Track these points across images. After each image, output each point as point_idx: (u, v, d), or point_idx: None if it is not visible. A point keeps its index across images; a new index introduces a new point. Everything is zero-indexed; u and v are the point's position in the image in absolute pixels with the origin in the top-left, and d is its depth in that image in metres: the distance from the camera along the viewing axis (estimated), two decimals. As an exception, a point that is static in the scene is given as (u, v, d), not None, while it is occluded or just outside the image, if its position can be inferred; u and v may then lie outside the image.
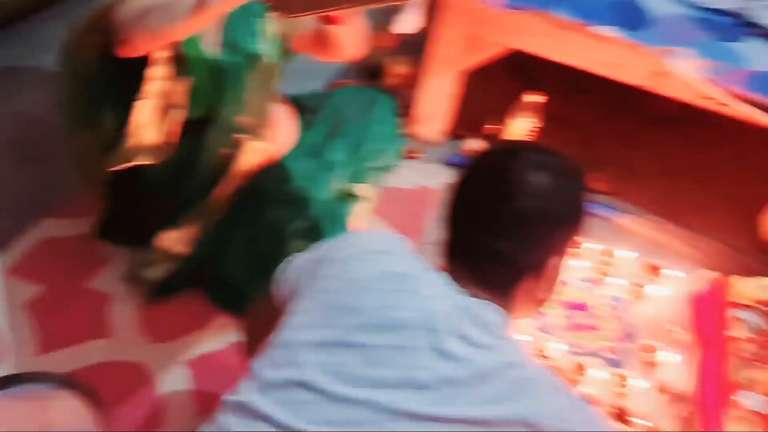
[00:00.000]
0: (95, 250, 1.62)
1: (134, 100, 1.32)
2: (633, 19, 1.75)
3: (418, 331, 0.84)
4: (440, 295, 0.89)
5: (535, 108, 2.06)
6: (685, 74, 1.72)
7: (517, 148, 1.00)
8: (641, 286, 1.83)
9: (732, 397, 1.48)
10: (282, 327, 0.90)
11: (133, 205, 1.54)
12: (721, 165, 2.37)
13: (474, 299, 0.89)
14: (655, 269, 1.89)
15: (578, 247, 1.05)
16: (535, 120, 2.07)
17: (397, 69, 2.36)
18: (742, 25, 1.80)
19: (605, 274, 1.85)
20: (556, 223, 0.92)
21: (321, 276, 0.93)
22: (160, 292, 1.54)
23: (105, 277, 1.58)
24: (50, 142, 1.79)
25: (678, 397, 1.40)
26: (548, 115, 2.35)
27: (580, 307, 1.77)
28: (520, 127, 2.08)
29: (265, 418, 0.81)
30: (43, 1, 2.32)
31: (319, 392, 0.81)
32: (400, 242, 0.99)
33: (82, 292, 1.54)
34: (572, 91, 2.55)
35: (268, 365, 0.87)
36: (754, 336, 1.64)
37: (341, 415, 0.80)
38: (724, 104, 1.77)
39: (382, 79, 2.39)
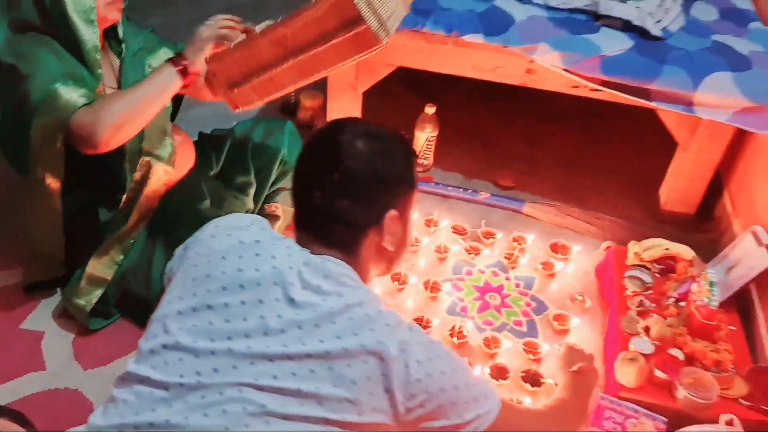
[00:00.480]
0: (24, 297, 1.73)
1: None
2: (496, 26, 1.95)
3: (270, 286, 0.96)
4: (290, 255, 1.01)
5: (433, 119, 2.24)
6: (549, 67, 1.93)
7: (344, 122, 1.11)
8: (551, 265, 1.98)
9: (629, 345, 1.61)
10: (158, 305, 1.03)
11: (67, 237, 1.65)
12: (614, 149, 2.59)
13: (319, 256, 1.01)
14: (562, 248, 2.04)
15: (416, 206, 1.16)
16: (434, 129, 2.25)
17: (310, 102, 2.54)
18: (596, 19, 2.02)
19: (516, 259, 2.00)
20: (383, 182, 1.04)
21: (188, 256, 1.05)
22: (93, 318, 1.64)
23: (36, 318, 1.69)
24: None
25: (580, 354, 1.52)
26: (455, 123, 2.55)
27: (494, 290, 1.90)
28: (422, 137, 2.25)
29: (143, 380, 0.93)
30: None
31: (186, 350, 0.93)
32: (258, 220, 1.11)
33: (16, 333, 1.64)
34: (477, 100, 2.76)
35: (146, 338, 0.99)
36: (645, 290, 1.79)
37: (207, 366, 0.92)
38: (595, 89, 1.97)
39: (298, 114, 2.57)
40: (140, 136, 1.56)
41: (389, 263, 1.14)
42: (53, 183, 1.52)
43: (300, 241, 1.06)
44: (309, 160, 1.08)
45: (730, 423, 1.30)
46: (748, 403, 1.49)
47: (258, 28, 1.51)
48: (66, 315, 1.69)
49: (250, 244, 1.02)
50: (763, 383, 1.51)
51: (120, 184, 1.59)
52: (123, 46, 1.66)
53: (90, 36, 1.50)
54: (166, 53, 1.71)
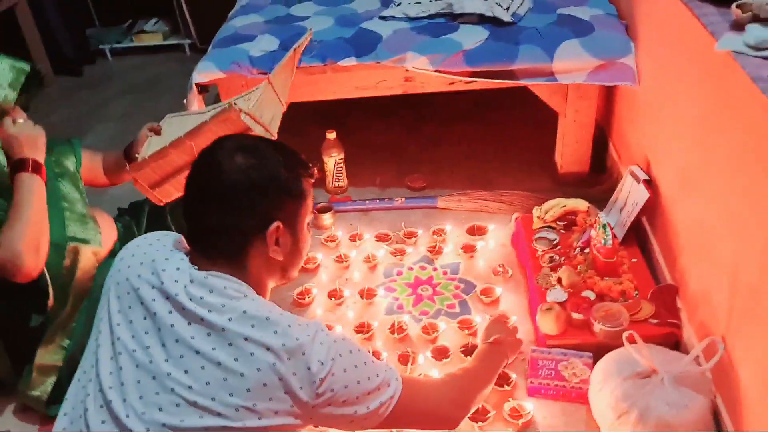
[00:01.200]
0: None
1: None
2: (365, 46, 2.12)
3: (162, 303, 1.05)
4: (179, 269, 1.08)
5: (336, 143, 2.38)
6: (420, 72, 2.10)
7: (222, 139, 1.14)
8: (472, 247, 2.13)
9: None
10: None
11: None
12: (509, 133, 2.79)
13: (204, 272, 1.06)
14: (479, 230, 2.20)
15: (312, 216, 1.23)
16: (340, 152, 2.39)
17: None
18: (453, 19, 2.22)
19: (440, 250, 2.14)
20: (260, 192, 1.07)
21: (109, 288, 1.14)
22: (51, 405, 1.70)
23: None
24: None
25: (500, 327, 1.67)
26: (362, 142, 2.71)
27: (424, 282, 2.04)
28: (331, 161, 2.39)
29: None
30: None
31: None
32: (161, 236, 1.18)
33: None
34: (377, 117, 2.94)
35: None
36: (553, 248, 1.95)
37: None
38: (469, 82, 2.15)
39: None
40: (62, 227, 1.66)
41: (283, 272, 1.19)
42: None
43: (192, 259, 1.10)
44: (192, 178, 1.11)
45: (630, 338, 1.45)
46: (656, 321, 1.65)
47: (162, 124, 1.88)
48: (24, 409, 1.75)
49: (148, 264, 1.10)
50: (664, 300, 1.68)
51: (43, 289, 1.64)
52: None
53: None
54: (64, 149, 1.82)
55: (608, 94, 2.39)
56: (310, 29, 2.15)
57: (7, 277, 1.52)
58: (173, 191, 1.77)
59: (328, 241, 2.21)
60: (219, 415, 0.98)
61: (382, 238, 2.22)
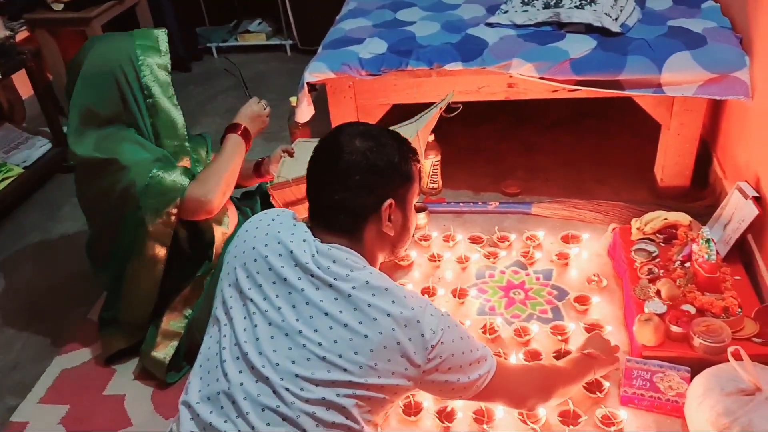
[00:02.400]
0: (102, 368, 1.95)
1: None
2: (471, 51, 2.18)
3: (292, 271, 1.16)
4: (305, 240, 1.19)
5: (434, 146, 2.44)
6: (526, 78, 2.13)
7: (343, 125, 1.26)
8: (565, 255, 2.15)
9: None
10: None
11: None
12: (607, 142, 2.77)
13: (327, 244, 1.18)
14: (574, 238, 2.21)
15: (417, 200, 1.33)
16: (437, 155, 2.45)
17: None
18: (560, 28, 2.24)
19: (532, 256, 2.16)
20: (378, 173, 1.19)
21: (230, 259, 1.26)
22: (169, 372, 1.84)
23: (115, 384, 1.89)
24: (45, 304, 2.25)
25: (601, 343, 1.68)
26: (458, 146, 2.76)
27: (517, 287, 2.06)
28: (428, 163, 2.46)
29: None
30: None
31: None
32: (281, 213, 1.28)
33: (100, 399, 1.85)
34: (478, 122, 2.98)
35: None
36: (652, 260, 1.94)
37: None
38: (573, 90, 2.17)
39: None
40: None
41: (393, 247, 1.30)
42: (161, 252, 1.77)
43: (314, 232, 1.22)
44: (315, 159, 1.24)
45: (735, 353, 1.43)
46: (760, 340, 1.62)
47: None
48: (141, 377, 1.90)
49: (273, 235, 1.21)
50: (770, 319, 1.65)
51: (210, 239, 1.85)
52: None
53: (179, 116, 1.81)
54: (198, 141, 2.03)
55: (714, 108, 2.34)
56: (453, 91, 2.15)
57: (194, 210, 1.74)
58: (303, 211, 1.90)
59: (421, 240, 2.27)
60: (345, 370, 1.09)
61: (475, 241, 2.26)
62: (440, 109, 2.08)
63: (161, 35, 1.81)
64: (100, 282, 2.01)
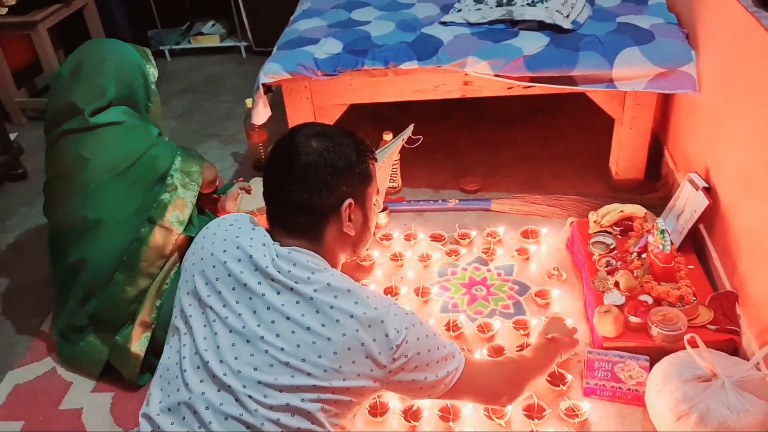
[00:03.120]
0: (57, 382, 1.89)
1: None
2: (426, 50, 2.18)
3: (252, 276, 1.14)
4: (264, 244, 1.17)
5: (411, 145, 2.43)
6: (481, 76, 2.15)
7: (298, 127, 1.25)
8: (525, 250, 2.17)
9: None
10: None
11: None
12: (563, 138, 2.81)
13: (287, 248, 1.17)
14: (532, 233, 2.23)
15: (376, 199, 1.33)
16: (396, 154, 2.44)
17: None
18: (513, 25, 2.26)
19: (493, 252, 2.18)
20: (336, 173, 1.18)
21: (189, 263, 1.25)
22: (142, 375, 1.81)
23: (71, 398, 1.84)
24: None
25: (559, 325, 1.71)
26: (417, 145, 2.75)
27: (479, 283, 2.08)
28: (386, 162, 2.45)
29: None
30: None
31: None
32: (240, 217, 1.27)
33: (56, 414, 1.79)
34: (435, 121, 2.99)
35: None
36: (609, 252, 1.97)
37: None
38: (528, 87, 2.19)
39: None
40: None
41: (355, 247, 1.30)
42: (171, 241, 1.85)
43: (273, 235, 1.21)
44: (272, 161, 1.22)
45: (691, 341, 1.47)
46: (714, 327, 1.66)
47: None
48: (99, 389, 1.85)
49: (231, 240, 1.19)
50: (723, 307, 1.69)
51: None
52: None
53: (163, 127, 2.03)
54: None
55: (665, 102, 2.39)
56: (413, 124, 2.18)
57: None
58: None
59: (383, 240, 2.27)
60: (309, 375, 1.08)
61: (436, 238, 2.27)
62: (402, 140, 2.11)
63: (149, 51, 2.03)
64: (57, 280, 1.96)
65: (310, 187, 1.18)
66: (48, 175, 1.94)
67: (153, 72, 2.01)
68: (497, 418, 1.58)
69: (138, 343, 1.80)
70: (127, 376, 1.82)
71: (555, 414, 1.60)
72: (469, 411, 1.62)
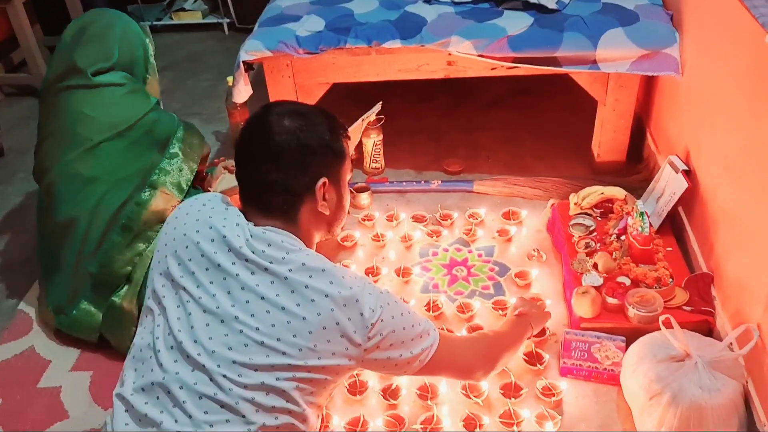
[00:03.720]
0: (36, 360, 1.88)
1: None
2: (410, 29, 2.15)
3: (226, 257, 1.13)
4: (238, 225, 1.16)
5: (375, 125, 2.42)
6: (464, 56, 2.13)
7: (271, 104, 1.23)
8: (506, 231, 2.17)
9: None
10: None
11: None
12: (546, 119, 2.81)
13: (261, 228, 1.16)
14: (513, 214, 2.23)
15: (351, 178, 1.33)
16: (379, 134, 2.44)
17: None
18: (498, 5, 2.24)
19: (475, 233, 2.18)
20: (310, 152, 1.17)
21: (162, 243, 1.24)
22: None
23: (50, 376, 1.83)
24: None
25: (527, 302, 1.72)
26: (399, 125, 2.75)
27: (460, 264, 2.08)
28: (369, 143, 2.44)
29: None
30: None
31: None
32: (212, 198, 1.25)
33: (34, 392, 1.78)
34: (418, 101, 2.97)
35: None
36: (589, 234, 1.98)
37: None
38: (512, 67, 2.18)
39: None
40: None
41: (329, 226, 1.30)
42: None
43: (247, 216, 1.19)
44: (244, 140, 1.21)
45: (666, 322, 1.48)
46: (690, 308, 1.68)
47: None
48: (78, 367, 1.84)
49: (204, 221, 1.18)
50: (699, 288, 1.71)
51: None
52: None
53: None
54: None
55: (648, 84, 2.40)
56: (380, 102, 2.19)
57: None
58: None
59: (365, 220, 2.26)
60: (284, 354, 1.08)
61: (418, 219, 2.27)
62: (363, 120, 2.11)
63: (147, 27, 2.08)
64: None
65: (284, 167, 1.17)
66: (42, 134, 1.93)
67: (151, 47, 2.04)
68: (474, 396, 1.59)
69: (135, 301, 1.79)
70: (116, 345, 1.82)
71: (532, 393, 1.61)
72: (446, 389, 1.63)
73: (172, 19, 4.16)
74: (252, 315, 1.09)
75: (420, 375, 1.31)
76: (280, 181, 1.17)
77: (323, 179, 1.21)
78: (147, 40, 2.02)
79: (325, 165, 1.22)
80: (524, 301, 1.72)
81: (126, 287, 1.81)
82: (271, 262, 1.12)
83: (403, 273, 2.02)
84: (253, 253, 1.13)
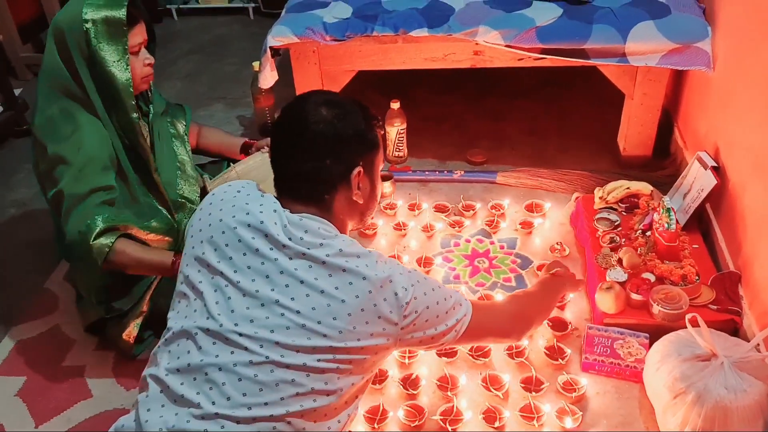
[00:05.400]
0: (61, 338, 1.91)
1: None
2: (437, 18, 2.14)
3: (264, 243, 1.14)
4: (275, 211, 1.17)
5: (399, 113, 2.41)
6: (492, 46, 2.12)
7: (307, 94, 1.25)
8: (529, 224, 2.16)
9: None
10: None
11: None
12: (571, 112, 2.78)
13: (297, 215, 1.17)
14: (536, 207, 2.22)
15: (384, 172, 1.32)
16: (402, 123, 2.42)
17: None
18: (527, -5, 2.22)
19: (497, 224, 2.17)
20: (346, 141, 1.19)
21: (194, 229, 1.24)
22: (137, 346, 1.81)
23: (75, 355, 1.86)
24: None
25: (561, 266, 1.74)
26: (424, 114, 2.74)
27: (481, 255, 2.07)
28: (393, 131, 2.43)
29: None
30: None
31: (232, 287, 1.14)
32: (247, 185, 1.25)
33: (58, 371, 1.81)
34: (444, 91, 2.96)
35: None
36: (614, 229, 1.97)
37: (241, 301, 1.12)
38: (539, 59, 2.16)
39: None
40: (175, 186, 1.84)
41: (362, 215, 1.31)
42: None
43: (282, 203, 1.20)
44: (280, 129, 1.22)
45: (693, 320, 1.47)
46: (716, 307, 1.66)
47: None
48: (102, 347, 1.87)
49: (240, 207, 1.19)
50: (726, 287, 1.69)
51: None
52: (150, 107, 1.87)
53: (125, 86, 1.64)
54: (177, 113, 1.98)
55: (677, 78, 2.36)
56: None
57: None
58: None
59: (387, 209, 2.26)
60: (325, 336, 1.09)
61: (440, 209, 2.26)
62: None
63: None
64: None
65: (320, 155, 1.18)
66: None
67: (106, 15, 1.62)
68: (495, 389, 1.59)
69: (127, 331, 1.77)
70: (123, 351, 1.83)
71: (553, 387, 1.61)
72: (466, 381, 1.63)
73: (198, 2, 4.17)
74: (292, 299, 1.10)
75: (459, 344, 1.37)
76: (315, 169, 1.19)
77: (358, 168, 1.22)
78: (87, 16, 1.60)
79: (359, 154, 1.23)
80: (558, 264, 1.74)
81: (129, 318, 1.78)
82: (308, 248, 1.13)
83: (425, 263, 2.02)
84: (290, 239, 1.14)
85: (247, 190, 1.24)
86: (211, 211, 1.22)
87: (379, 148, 1.28)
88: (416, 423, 1.54)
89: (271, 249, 1.14)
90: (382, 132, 1.30)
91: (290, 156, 1.20)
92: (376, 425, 1.55)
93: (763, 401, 1.39)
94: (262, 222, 1.15)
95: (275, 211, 1.18)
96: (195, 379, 1.10)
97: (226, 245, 1.16)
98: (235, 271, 1.14)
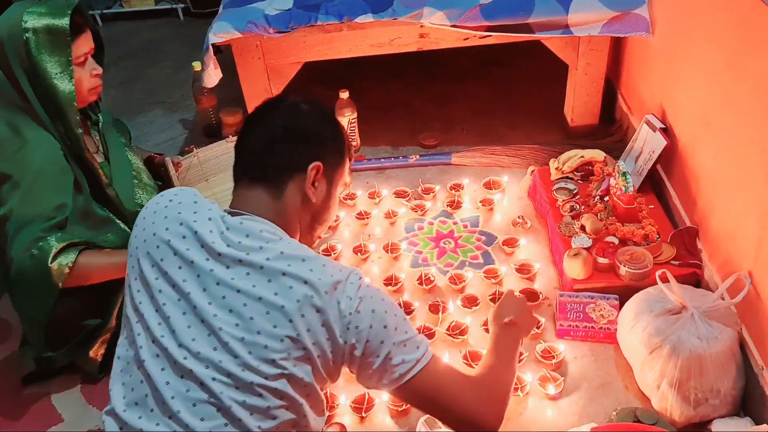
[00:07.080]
0: (19, 365, 1.80)
1: None
2: (381, 2, 2.12)
3: (199, 252, 1.09)
4: (211, 219, 1.12)
5: (349, 103, 2.39)
6: (437, 27, 2.12)
7: (285, 95, 1.29)
8: (489, 201, 2.18)
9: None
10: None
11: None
12: (518, 88, 2.82)
13: (239, 218, 1.12)
14: (494, 183, 2.24)
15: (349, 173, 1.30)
16: (353, 112, 2.41)
17: (231, 119, 2.66)
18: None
19: (458, 204, 2.18)
20: (317, 135, 1.18)
21: (137, 239, 1.16)
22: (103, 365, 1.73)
23: (36, 380, 1.77)
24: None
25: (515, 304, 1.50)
26: (373, 102, 2.73)
27: (446, 236, 2.08)
28: (344, 122, 2.41)
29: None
30: None
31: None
32: (185, 192, 1.20)
33: (22, 398, 1.72)
34: (389, 78, 2.95)
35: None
36: (573, 197, 2.01)
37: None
38: (484, 36, 2.17)
39: (223, 132, 2.67)
40: (132, 196, 1.77)
41: (312, 221, 1.23)
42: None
43: (235, 188, 1.19)
44: (257, 114, 1.21)
45: (662, 276, 1.51)
46: (678, 262, 1.72)
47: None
48: (65, 369, 1.78)
49: (173, 218, 1.13)
50: (685, 242, 1.75)
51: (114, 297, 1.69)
52: (100, 116, 1.79)
53: (68, 97, 1.57)
54: (119, 126, 1.93)
55: (616, 46, 2.42)
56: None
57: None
58: None
59: (347, 199, 2.24)
60: (266, 347, 1.02)
61: (400, 195, 2.26)
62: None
63: None
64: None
65: (290, 137, 1.17)
66: None
67: (47, 23, 1.56)
68: (476, 364, 1.60)
69: (94, 349, 1.71)
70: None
71: (532, 357, 1.63)
72: (449, 359, 1.63)
73: (122, 6, 4.03)
74: (230, 311, 1.04)
75: (401, 398, 1.19)
76: (279, 148, 1.16)
77: (318, 162, 1.18)
78: (27, 25, 1.53)
79: (326, 153, 1.20)
80: (510, 302, 1.49)
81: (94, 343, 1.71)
82: (247, 253, 1.07)
83: (392, 249, 2.02)
84: (229, 245, 1.08)
85: (179, 198, 1.18)
86: (145, 226, 1.15)
87: (344, 161, 1.25)
88: (404, 407, 1.54)
89: (207, 259, 1.08)
90: (351, 155, 1.28)
91: (258, 137, 1.18)
92: (363, 414, 1.54)
93: (734, 346, 1.45)
94: (196, 232, 1.10)
95: (210, 219, 1.12)
96: (152, 410, 1.03)
97: (161, 260, 1.10)
98: (173, 287, 1.08)
